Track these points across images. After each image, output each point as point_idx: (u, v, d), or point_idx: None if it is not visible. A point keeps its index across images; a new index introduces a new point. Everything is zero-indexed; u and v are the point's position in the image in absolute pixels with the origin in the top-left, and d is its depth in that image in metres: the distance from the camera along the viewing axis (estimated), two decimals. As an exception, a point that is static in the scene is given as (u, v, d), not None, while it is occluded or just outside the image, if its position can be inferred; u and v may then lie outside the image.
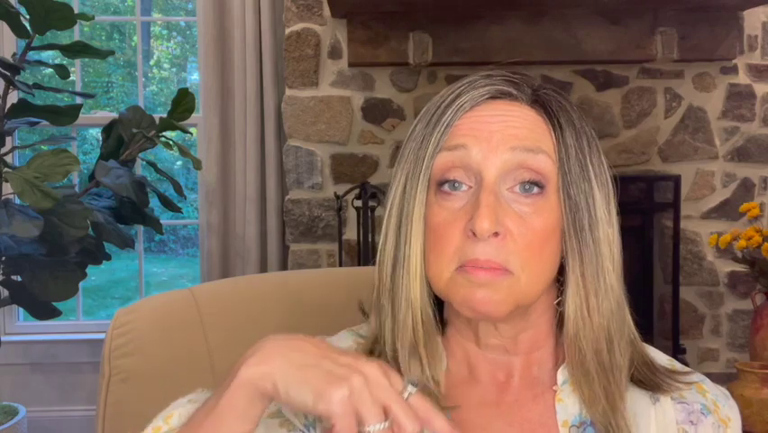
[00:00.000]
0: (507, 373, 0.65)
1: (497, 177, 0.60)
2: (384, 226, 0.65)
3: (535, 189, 0.60)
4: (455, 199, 0.61)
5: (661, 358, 0.68)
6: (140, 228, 2.82)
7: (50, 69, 1.98)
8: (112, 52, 2.10)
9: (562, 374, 0.64)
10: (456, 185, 0.61)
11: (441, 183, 0.61)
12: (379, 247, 0.65)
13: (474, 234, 0.58)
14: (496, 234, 0.58)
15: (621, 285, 0.63)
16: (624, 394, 0.61)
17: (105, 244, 2.04)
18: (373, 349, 0.67)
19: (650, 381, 0.64)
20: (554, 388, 0.64)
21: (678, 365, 0.68)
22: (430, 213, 0.61)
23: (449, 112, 0.62)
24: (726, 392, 0.66)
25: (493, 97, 0.62)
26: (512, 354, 0.65)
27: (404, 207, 0.63)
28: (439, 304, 0.67)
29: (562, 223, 0.61)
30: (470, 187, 0.61)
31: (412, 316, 0.62)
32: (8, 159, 2.00)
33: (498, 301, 0.58)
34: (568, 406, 0.63)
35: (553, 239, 0.60)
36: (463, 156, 0.60)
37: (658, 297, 2.59)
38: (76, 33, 2.72)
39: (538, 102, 0.63)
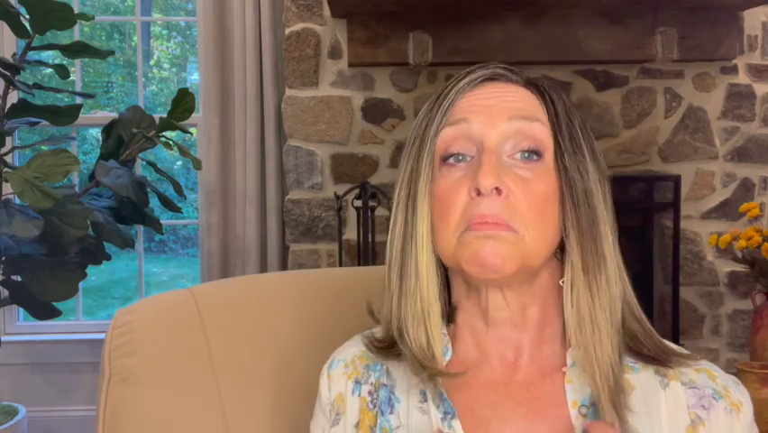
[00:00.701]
0: (516, 352, 0.67)
1: (497, 143, 0.64)
2: (394, 207, 0.68)
3: (534, 157, 0.64)
4: (458, 170, 0.64)
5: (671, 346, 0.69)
6: (140, 228, 2.82)
7: (50, 69, 1.98)
8: (112, 52, 2.10)
9: (571, 355, 0.65)
10: (460, 157, 0.65)
11: (445, 158, 0.65)
12: (390, 227, 0.68)
13: (478, 192, 0.60)
14: (499, 191, 0.61)
15: (618, 256, 0.65)
16: (620, 353, 0.62)
17: (105, 243, 2.04)
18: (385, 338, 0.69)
19: (658, 355, 0.65)
20: (564, 369, 0.65)
21: (687, 353, 0.68)
22: (435, 186, 0.65)
23: (450, 94, 0.67)
24: (737, 379, 0.66)
25: (490, 79, 0.68)
26: (521, 331, 0.66)
27: (411, 186, 0.66)
28: (445, 296, 0.69)
29: (559, 192, 0.64)
30: (473, 157, 0.64)
31: (420, 287, 0.65)
32: (8, 159, 2.01)
33: (504, 255, 0.60)
34: (577, 387, 0.64)
35: (553, 204, 0.63)
36: (465, 128, 0.65)
37: (658, 297, 2.58)
38: (76, 33, 2.72)
39: (531, 84, 0.68)
